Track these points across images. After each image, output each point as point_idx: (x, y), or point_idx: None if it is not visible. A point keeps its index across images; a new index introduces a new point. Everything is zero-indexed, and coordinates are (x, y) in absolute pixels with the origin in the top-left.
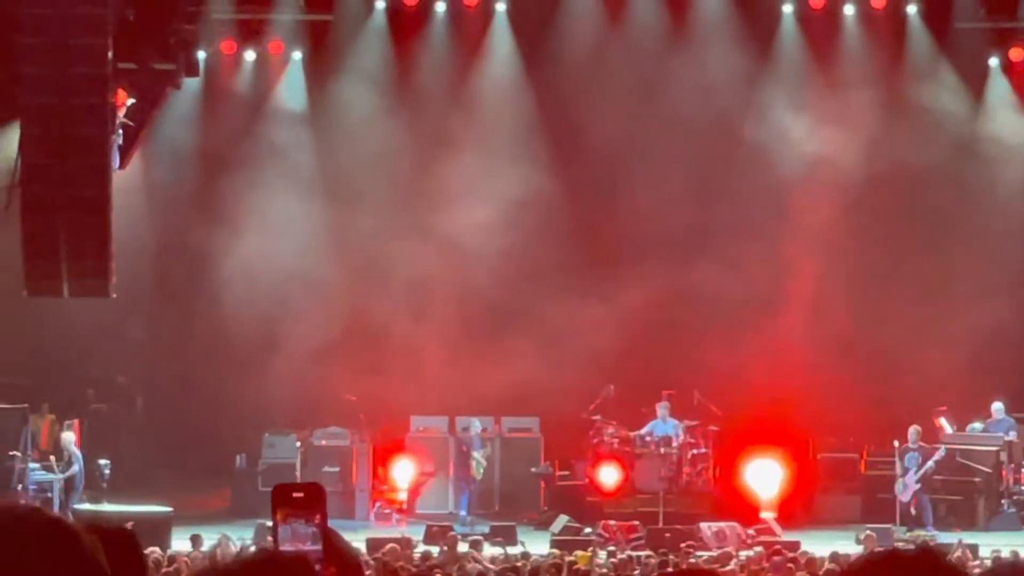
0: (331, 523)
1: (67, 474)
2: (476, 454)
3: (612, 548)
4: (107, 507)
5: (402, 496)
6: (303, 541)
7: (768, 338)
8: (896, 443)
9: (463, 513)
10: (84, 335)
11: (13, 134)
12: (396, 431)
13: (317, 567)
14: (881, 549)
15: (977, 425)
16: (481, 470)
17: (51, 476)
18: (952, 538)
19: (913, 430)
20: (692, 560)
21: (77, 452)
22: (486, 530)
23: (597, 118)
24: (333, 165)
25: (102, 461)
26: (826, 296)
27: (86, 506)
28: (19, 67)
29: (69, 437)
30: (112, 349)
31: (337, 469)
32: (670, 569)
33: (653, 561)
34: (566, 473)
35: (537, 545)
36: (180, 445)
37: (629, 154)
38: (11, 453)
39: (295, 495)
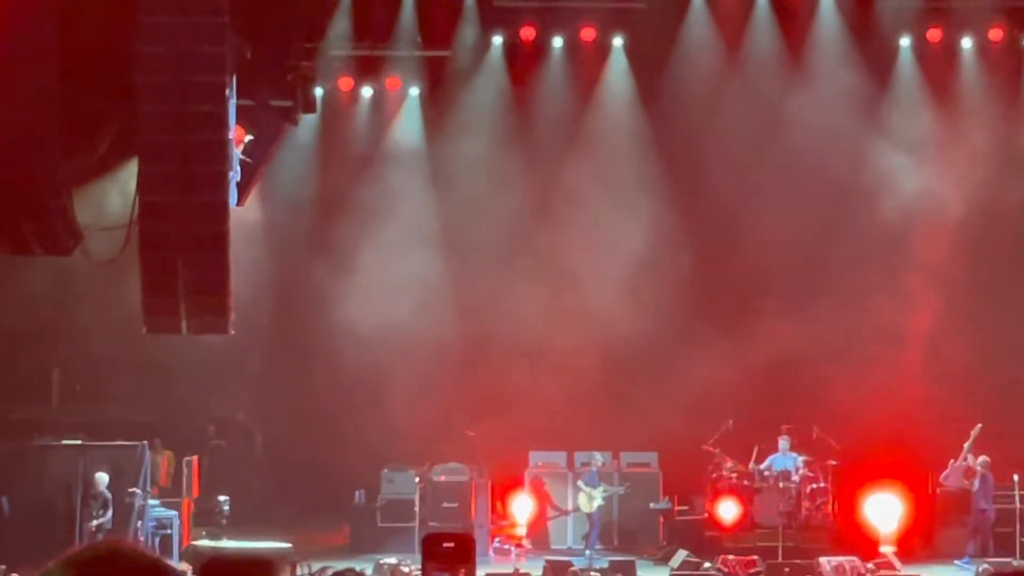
0: None
1: (101, 520)
2: (587, 488)
3: None
4: (226, 543)
5: (521, 531)
6: None
7: (887, 372)
8: (1016, 477)
9: (583, 549)
10: (204, 372)
11: (131, 172)
12: (515, 466)
13: None
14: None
15: None
16: (594, 504)
17: (171, 513)
18: None
19: None
20: None
21: (109, 495)
22: (605, 565)
23: (715, 153)
24: (448, 202)
25: (222, 497)
26: (945, 331)
27: (206, 542)
28: (138, 105)
29: (103, 478)
30: (231, 386)
31: (456, 505)
32: None
33: None
34: (685, 508)
35: None
36: (299, 481)
37: (747, 189)
38: (130, 490)
39: (445, 545)
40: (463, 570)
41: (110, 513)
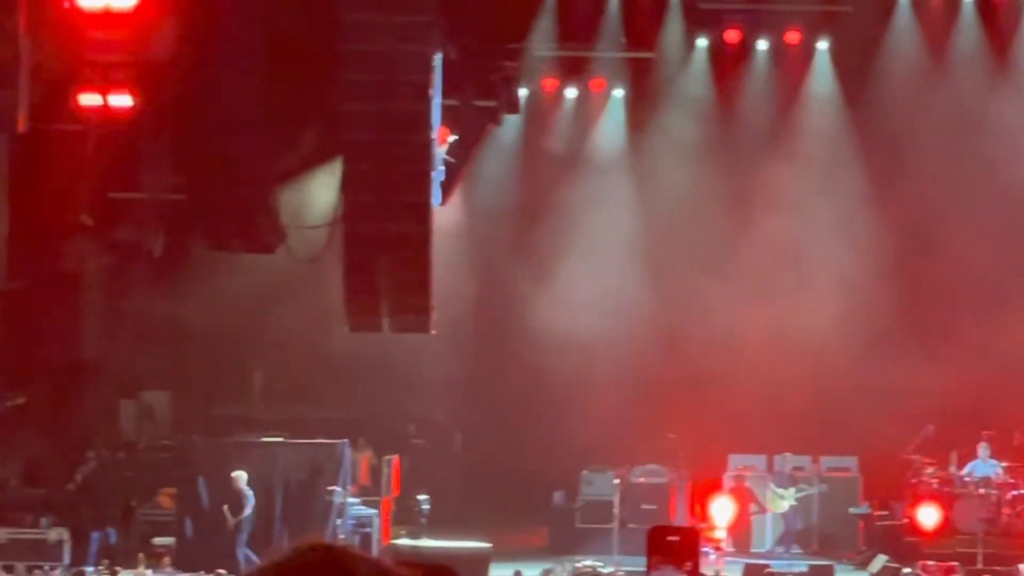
0: None
1: (240, 517)
2: (779, 490)
3: None
4: (426, 543)
5: (720, 534)
6: None
7: None
8: None
9: (776, 547)
10: (404, 371)
11: (335, 171)
12: (714, 469)
13: None
14: None
15: None
16: (784, 505)
17: (370, 511)
18: None
19: None
20: None
21: (250, 493)
22: (804, 569)
23: (915, 158)
24: (649, 206)
25: (421, 497)
26: None
27: (405, 541)
28: (342, 104)
29: (242, 476)
30: (431, 386)
31: (655, 507)
32: None
33: None
34: (885, 513)
35: None
36: (498, 481)
37: (946, 193)
38: (329, 488)
39: (670, 539)
40: (689, 563)
41: (249, 510)
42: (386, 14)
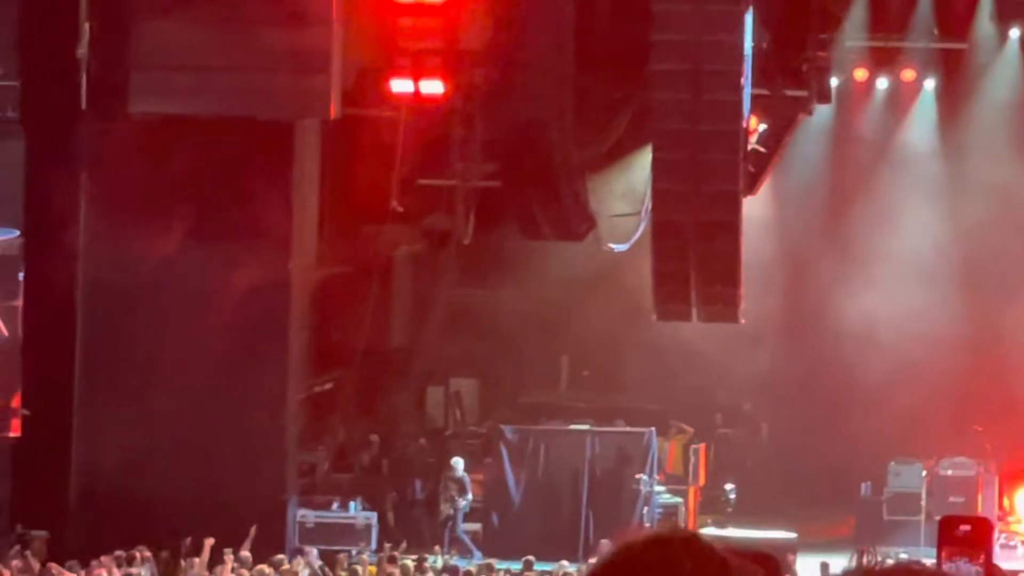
0: None
1: (458, 505)
2: None
3: None
4: (732, 532)
5: None
6: None
7: None
8: None
9: None
10: (711, 361)
11: (644, 160)
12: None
13: None
14: None
15: None
16: None
17: (676, 500)
18: None
19: None
20: None
21: (467, 479)
22: None
23: None
24: (960, 201)
25: (728, 486)
26: None
27: (712, 530)
28: (652, 93)
29: (459, 463)
30: (739, 376)
31: (962, 499)
32: None
33: None
34: None
35: None
36: (804, 472)
37: None
38: (637, 476)
39: (961, 528)
40: (982, 554)
41: (469, 497)
42: (698, 4)
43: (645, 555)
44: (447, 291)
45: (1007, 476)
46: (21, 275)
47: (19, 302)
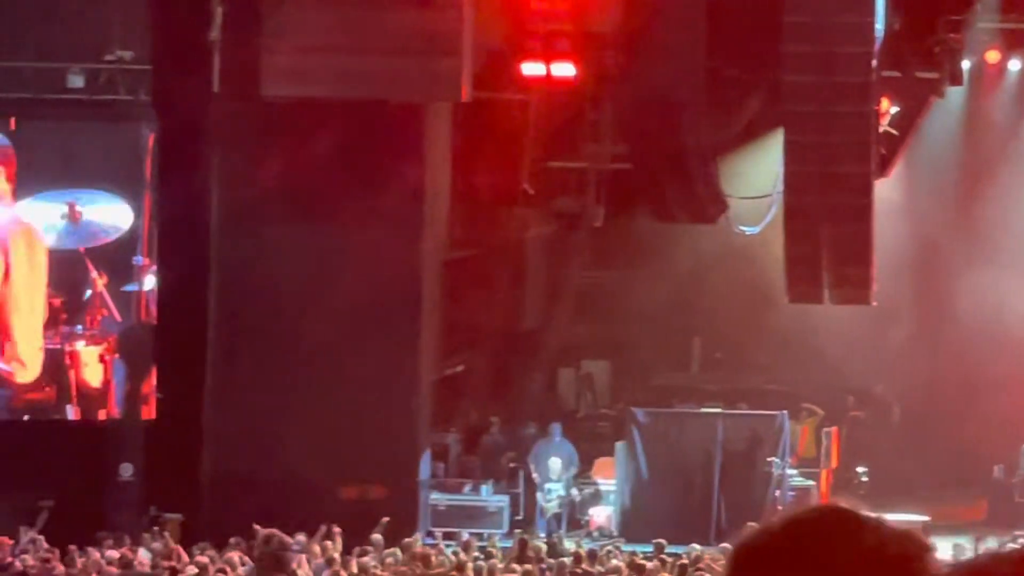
0: None
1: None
2: None
3: None
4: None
5: None
6: None
7: None
8: None
9: None
10: (843, 343)
11: (776, 142)
12: None
13: None
14: None
15: None
16: None
17: (809, 483)
18: None
19: None
20: None
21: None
22: None
23: None
24: None
25: (859, 469)
26: None
27: None
28: (782, 75)
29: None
30: (871, 358)
31: None
32: None
33: None
34: None
35: None
36: (937, 454)
37: None
38: (769, 459)
39: None
40: None
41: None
42: None
43: (822, 526)
44: (578, 273)
45: None
46: (137, 259)
47: (135, 287)
